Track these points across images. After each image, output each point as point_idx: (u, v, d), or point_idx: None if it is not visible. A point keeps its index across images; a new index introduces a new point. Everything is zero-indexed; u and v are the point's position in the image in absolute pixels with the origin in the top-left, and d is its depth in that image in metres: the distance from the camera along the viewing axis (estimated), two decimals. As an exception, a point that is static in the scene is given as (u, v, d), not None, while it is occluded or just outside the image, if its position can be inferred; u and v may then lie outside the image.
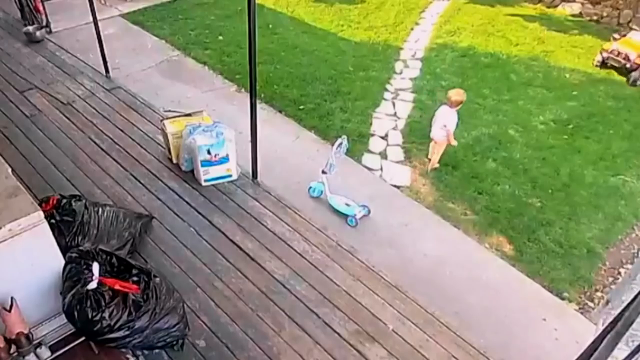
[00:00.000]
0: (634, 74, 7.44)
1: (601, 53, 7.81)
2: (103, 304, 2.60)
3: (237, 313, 3.19)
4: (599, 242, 4.72)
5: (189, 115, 4.43)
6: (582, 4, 9.77)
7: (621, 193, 5.31)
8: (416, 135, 5.92)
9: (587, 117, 6.50)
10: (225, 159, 4.14)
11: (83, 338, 2.76)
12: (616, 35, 8.16)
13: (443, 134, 5.18)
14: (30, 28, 6.37)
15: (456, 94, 5.11)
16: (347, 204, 4.64)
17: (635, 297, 1.52)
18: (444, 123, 5.13)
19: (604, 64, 7.82)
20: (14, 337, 2.47)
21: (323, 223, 4.01)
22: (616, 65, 7.68)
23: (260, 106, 5.03)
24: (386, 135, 5.92)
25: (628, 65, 7.50)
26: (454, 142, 5.25)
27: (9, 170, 2.78)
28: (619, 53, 7.61)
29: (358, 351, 3.03)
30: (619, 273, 4.46)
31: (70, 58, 6.05)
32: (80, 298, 2.59)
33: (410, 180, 5.25)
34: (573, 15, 9.76)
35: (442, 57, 7.75)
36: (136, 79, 6.28)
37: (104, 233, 3.35)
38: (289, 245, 3.71)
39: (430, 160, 5.43)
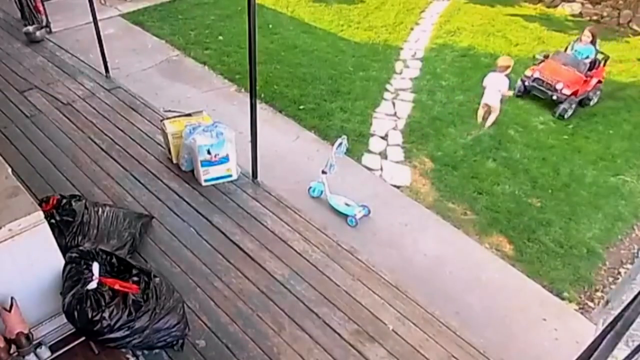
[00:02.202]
0: (562, 106, 6.24)
1: (522, 81, 6.59)
2: (103, 304, 2.60)
3: (237, 313, 3.19)
4: (599, 242, 4.72)
5: (189, 115, 4.43)
6: (582, 4, 9.75)
7: (621, 193, 5.31)
8: (416, 135, 5.92)
9: (587, 117, 6.49)
10: (225, 159, 4.14)
11: (83, 338, 2.76)
12: (539, 56, 6.82)
13: (498, 97, 5.91)
14: (30, 28, 6.37)
15: (503, 60, 5.94)
16: (347, 204, 4.64)
17: (635, 297, 1.52)
18: (499, 88, 5.84)
19: (526, 93, 6.60)
20: (14, 337, 2.47)
21: (323, 223, 4.01)
22: (540, 95, 6.48)
23: (260, 106, 5.05)
24: (386, 135, 5.92)
25: (555, 97, 6.30)
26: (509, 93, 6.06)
27: (9, 170, 2.78)
28: (543, 82, 6.40)
29: (358, 351, 3.03)
30: (619, 273, 4.46)
31: (71, 58, 6.05)
32: (80, 298, 2.59)
33: (410, 180, 5.25)
34: (573, 15, 9.74)
35: (442, 57, 7.74)
36: (136, 79, 6.27)
37: (104, 233, 3.35)
38: (288, 245, 3.71)
39: (483, 123, 6.13)
